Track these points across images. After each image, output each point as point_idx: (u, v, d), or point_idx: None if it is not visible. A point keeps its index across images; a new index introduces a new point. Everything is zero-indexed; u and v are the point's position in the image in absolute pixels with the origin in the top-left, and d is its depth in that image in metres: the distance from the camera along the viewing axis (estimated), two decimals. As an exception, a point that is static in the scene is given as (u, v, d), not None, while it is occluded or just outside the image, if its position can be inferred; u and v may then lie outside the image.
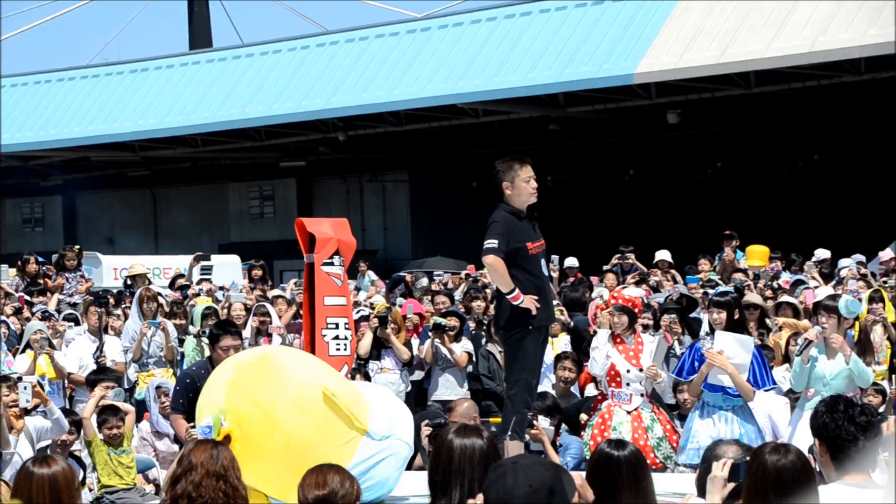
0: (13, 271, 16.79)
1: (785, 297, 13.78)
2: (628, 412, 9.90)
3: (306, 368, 7.70)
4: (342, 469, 5.26)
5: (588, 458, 8.66)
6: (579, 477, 4.80)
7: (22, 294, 15.71)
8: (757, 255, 18.44)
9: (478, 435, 5.13)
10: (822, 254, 18.41)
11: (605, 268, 17.31)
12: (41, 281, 16.25)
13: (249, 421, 7.23)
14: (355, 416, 7.53)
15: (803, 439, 8.52)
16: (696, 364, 9.66)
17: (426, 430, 9.71)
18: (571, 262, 18.37)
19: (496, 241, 8.71)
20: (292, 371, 7.70)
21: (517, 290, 8.71)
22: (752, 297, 13.06)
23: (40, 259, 17.59)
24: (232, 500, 5.51)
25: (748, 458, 5.22)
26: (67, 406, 12.97)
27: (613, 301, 10.16)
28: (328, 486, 5.15)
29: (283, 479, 7.31)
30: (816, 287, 14.83)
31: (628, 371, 9.98)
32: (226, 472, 5.52)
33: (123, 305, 15.13)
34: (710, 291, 12.87)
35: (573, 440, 10.55)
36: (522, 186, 8.86)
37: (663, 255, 17.93)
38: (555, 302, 14.32)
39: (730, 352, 9.45)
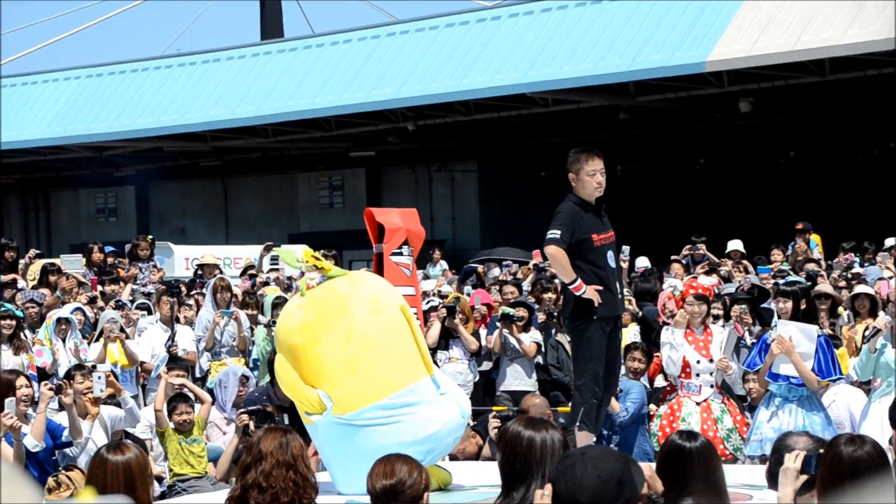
0: (84, 261, 17.01)
1: (862, 288, 13.55)
2: (698, 403, 9.83)
3: (391, 288, 8.04)
4: (410, 458, 5.24)
5: (658, 448, 8.61)
6: (648, 468, 4.78)
7: (94, 278, 15.88)
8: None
9: (548, 427, 5.12)
10: (893, 242, 18.11)
11: (673, 258, 17.16)
12: (113, 271, 16.42)
13: (324, 303, 7.67)
14: (426, 355, 7.71)
15: (873, 429, 8.40)
16: (764, 355, 9.59)
17: (494, 423, 9.70)
18: (643, 262, 18.20)
19: (559, 232, 8.77)
20: (378, 280, 8.08)
21: (579, 281, 8.74)
22: (823, 286, 12.91)
23: (109, 248, 17.76)
24: (301, 489, 5.53)
25: (821, 450, 5.16)
26: (140, 394, 13.14)
27: (693, 291, 10.06)
28: (396, 475, 5.14)
29: (335, 368, 7.48)
30: (891, 277, 14.62)
31: (698, 362, 9.91)
32: (295, 461, 5.55)
33: (195, 293, 15.25)
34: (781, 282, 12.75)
35: (634, 384, 10.52)
36: (587, 180, 8.87)
37: (735, 245, 17.77)
38: (625, 292, 14.28)
39: (793, 341, 9.36)
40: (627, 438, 10.40)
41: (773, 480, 5.37)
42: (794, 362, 9.34)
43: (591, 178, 8.85)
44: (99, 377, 9.79)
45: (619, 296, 9.00)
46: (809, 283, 12.85)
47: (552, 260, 9.04)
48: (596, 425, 9.06)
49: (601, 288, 8.77)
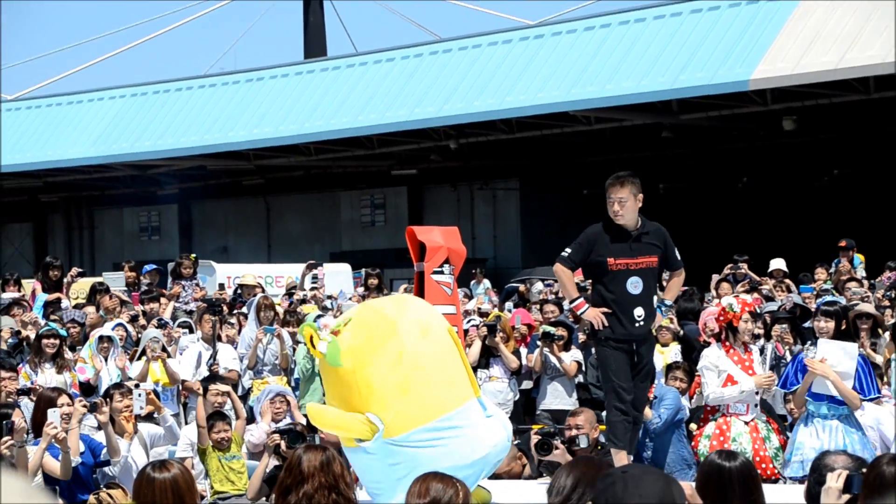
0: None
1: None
2: (746, 423, 9.75)
3: (435, 310, 8.12)
4: (447, 477, 5.19)
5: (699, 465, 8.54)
6: (689, 487, 4.73)
7: (135, 294, 15.97)
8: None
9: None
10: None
11: (716, 277, 17.05)
12: (153, 290, 16.51)
13: (372, 326, 7.66)
14: (472, 377, 7.75)
15: None
16: (800, 374, 9.51)
17: (535, 439, 9.68)
18: (778, 263, 17.95)
19: (569, 251, 9.00)
20: (423, 303, 8.21)
21: (579, 300, 9.01)
22: (865, 306, 12.79)
23: (151, 266, 17.84)
24: None
25: (864, 470, 5.11)
26: (181, 413, 13.17)
27: (749, 308, 9.98)
28: (429, 494, 5.09)
29: (385, 390, 7.49)
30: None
31: (743, 383, 9.83)
32: (337, 482, 5.50)
33: (236, 312, 15.30)
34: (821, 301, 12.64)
35: (668, 390, 10.45)
36: (608, 206, 8.98)
37: (778, 263, 17.64)
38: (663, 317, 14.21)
39: (833, 360, 9.28)
40: (663, 445, 10.33)
41: (812, 500, 5.33)
42: (832, 381, 9.26)
43: (609, 205, 8.98)
44: (140, 395, 9.82)
45: (639, 323, 8.91)
46: (850, 303, 12.73)
47: (557, 277, 9.22)
48: (631, 444, 9.06)
49: (608, 311, 8.84)
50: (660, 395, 10.27)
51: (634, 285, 8.93)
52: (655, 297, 9.06)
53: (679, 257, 9.17)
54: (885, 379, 10.86)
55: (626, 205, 8.94)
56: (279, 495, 5.62)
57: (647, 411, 9.85)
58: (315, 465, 5.50)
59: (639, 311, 8.94)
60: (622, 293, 8.92)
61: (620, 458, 8.65)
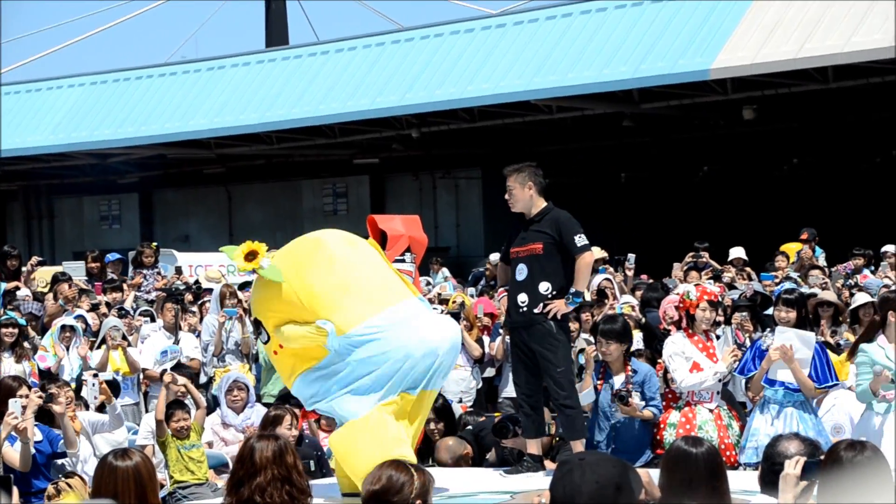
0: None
1: (863, 297, 13.49)
2: (710, 411, 9.78)
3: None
4: (405, 465, 5.17)
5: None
6: (646, 474, 4.77)
7: (98, 284, 15.88)
8: (792, 253, 18.20)
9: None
10: (891, 248, 18.04)
11: (677, 265, 17.13)
12: (114, 276, 16.42)
13: (297, 246, 8.39)
14: (409, 284, 8.42)
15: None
16: (758, 361, 9.56)
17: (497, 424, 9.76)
18: (738, 251, 18.01)
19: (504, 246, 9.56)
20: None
21: (501, 289, 9.49)
22: (826, 294, 12.89)
23: (116, 256, 17.75)
24: (297, 501, 5.46)
25: (821, 456, 5.15)
26: (142, 401, 13.13)
27: (707, 297, 9.99)
28: (382, 481, 5.07)
29: (327, 293, 8.00)
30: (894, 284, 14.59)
31: (713, 367, 9.85)
32: (290, 473, 5.47)
33: (200, 302, 15.24)
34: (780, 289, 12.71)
35: (643, 366, 10.43)
36: None
37: (737, 252, 17.74)
38: (626, 299, 14.27)
39: (792, 348, 9.34)
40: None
41: (765, 484, 5.36)
42: (792, 370, 9.32)
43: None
44: (93, 385, 9.75)
45: (522, 309, 9.15)
46: (810, 292, 12.83)
47: None
48: (536, 432, 9.31)
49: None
50: (645, 378, 10.12)
51: (520, 272, 9.22)
52: (548, 284, 9.08)
53: (581, 242, 9.18)
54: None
55: (513, 193, 9.30)
56: (231, 487, 5.53)
57: (634, 401, 9.79)
58: (267, 456, 5.43)
59: (522, 298, 9.17)
60: (512, 281, 9.27)
61: (522, 443, 8.88)
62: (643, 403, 9.75)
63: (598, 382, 9.87)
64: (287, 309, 8.10)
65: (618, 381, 9.83)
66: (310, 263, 8.09)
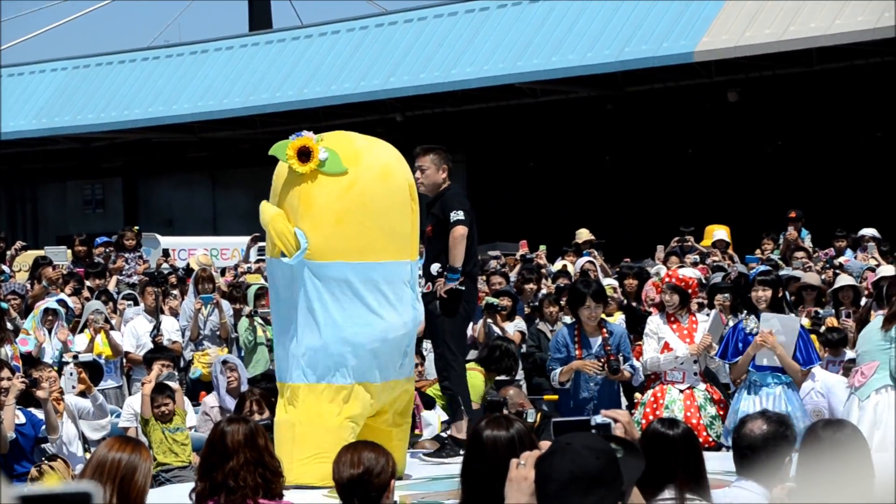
0: (70, 252, 16.95)
1: (845, 280, 13.50)
2: (681, 391, 9.81)
3: (404, 163, 8.29)
4: (377, 446, 5.16)
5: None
6: (626, 415, 4.66)
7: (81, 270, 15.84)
8: (711, 237, 18.21)
9: (507, 426, 5.01)
10: (869, 232, 17.97)
11: (660, 248, 17.13)
12: (100, 261, 16.37)
13: (338, 148, 7.80)
14: (416, 240, 7.99)
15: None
16: (741, 345, 9.58)
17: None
18: (720, 234, 18.03)
19: None
20: (394, 151, 8.34)
21: None
22: (809, 277, 12.91)
23: (104, 239, 17.69)
24: (271, 483, 5.42)
25: (787, 433, 5.17)
26: (125, 384, 13.09)
27: (668, 279, 10.10)
28: (363, 464, 5.04)
29: (322, 213, 7.58)
30: (878, 266, 14.62)
31: (678, 349, 9.89)
32: (262, 455, 5.41)
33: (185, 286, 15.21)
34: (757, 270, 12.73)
35: (616, 327, 10.49)
36: None
37: (720, 234, 17.75)
38: (608, 281, 14.28)
39: (775, 332, 9.37)
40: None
41: (740, 467, 5.36)
42: (778, 356, 9.34)
43: None
44: (71, 373, 9.70)
45: (423, 291, 8.73)
46: (792, 274, 12.85)
47: None
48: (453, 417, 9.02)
49: None
50: (620, 339, 10.21)
51: (422, 255, 8.98)
52: (437, 265, 8.86)
53: (454, 217, 8.79)
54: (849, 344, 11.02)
55: (425, 173, 8.97)
56: (202, 473, 5.47)
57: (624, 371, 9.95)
58: (239, 439, 5.37)
59: (421, 281, 8.90)
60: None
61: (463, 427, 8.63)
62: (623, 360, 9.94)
63: (576, 348, 9.95)
64: (291, 197, 7.70)
65: (594, 343, 9.92)
66: (331, 176, 7.61)
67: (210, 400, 11.35)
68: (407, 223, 7.82)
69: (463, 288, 8.83)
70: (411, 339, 8.13)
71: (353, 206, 7.62)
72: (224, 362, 11.49)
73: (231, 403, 11.08)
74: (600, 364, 9.81)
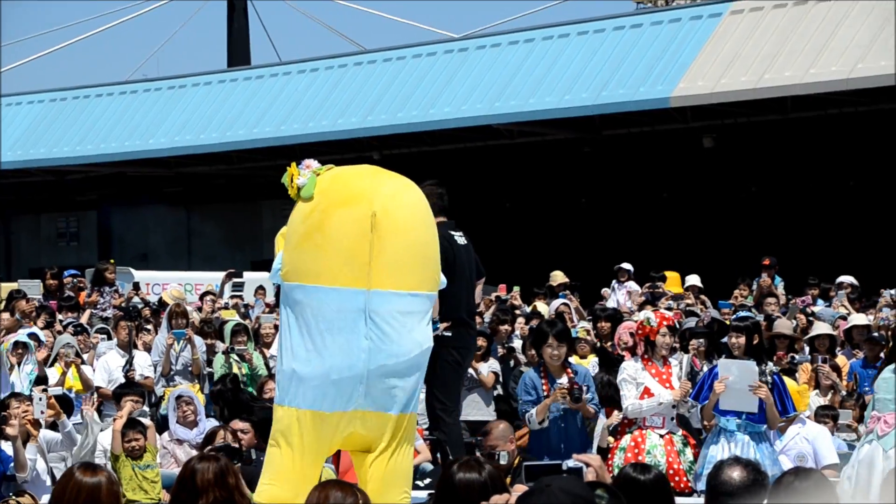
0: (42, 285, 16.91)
1: (822, 328, 13.54)
2: (661, 436, 9.81)
3: (409, 196, 8.27)
4: (347, 485, 5.11)
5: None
6: (597, 459, 4.68)
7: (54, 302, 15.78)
8: (672, 283, 18.32)
9: (479, 470, 4.98)
10: (847, 279, 18.09)
11: (607, 290, 17.23)
12: (71, 293, 16.31)
13: (337, 177, 7.87)
14: (375, 271, 7.45)
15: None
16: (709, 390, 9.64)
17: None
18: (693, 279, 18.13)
19: None
20: (402, 186, 8.29)
21: None
22: (780, 325, 12.97)
23: (73, 272, 17.63)
24: None
25: (764, 481, 5.19)
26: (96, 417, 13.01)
27: (667, 322, 10.05)
28: (329, 502, 5.01)
29: (290, 236, 7.65)
30: (848, 314, 14.70)
31: (661, 395, 9.90)
32: (232, 494, 5.40)
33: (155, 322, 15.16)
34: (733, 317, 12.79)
35: (580, 367, 10.53)
36: None
37: (693, 279, 17.83)
38: (582, 324, 14.31)
39: (732, 378, 9.41)
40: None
41: None
42: (767, 406, 9.39)
43: None
44: (40, 399, 9.63)
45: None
46: (763, 319, 12.90)
47: None
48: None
49: None
50: (585, 378, 10.25)
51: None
52: None
53: None
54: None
55: None
56: None
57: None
58: (209, 478, 5.34)
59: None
60: None
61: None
62: (590, 397, 9.99)
63: (544, 388, 9.96)
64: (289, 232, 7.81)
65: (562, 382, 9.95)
66: (300, 203, 7.76)
67: (165, 435, 11.29)
68: (363, 252, 7.45)
69: (449, 334, 8.72)
70: (396, 373, 7.47)
71: (310, 230, 7.66)
72: (178, 397, 11.42)
73: (185, 434, 11.03)
74: (566, 389, 9.83)
